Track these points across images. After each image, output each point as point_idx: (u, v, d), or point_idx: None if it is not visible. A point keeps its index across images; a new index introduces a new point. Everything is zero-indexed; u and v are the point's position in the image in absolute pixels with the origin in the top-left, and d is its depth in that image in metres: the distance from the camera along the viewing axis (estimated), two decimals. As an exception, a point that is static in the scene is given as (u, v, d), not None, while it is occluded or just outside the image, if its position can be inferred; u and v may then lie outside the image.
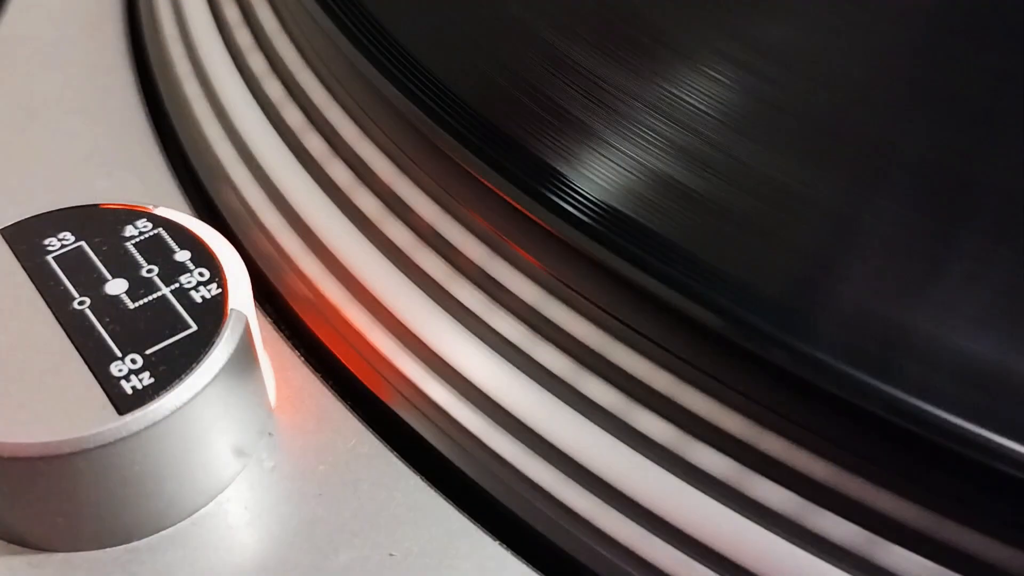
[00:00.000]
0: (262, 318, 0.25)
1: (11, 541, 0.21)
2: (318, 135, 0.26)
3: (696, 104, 0.21)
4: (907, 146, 0.21)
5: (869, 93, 0.22)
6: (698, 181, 0.20)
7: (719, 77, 0.22)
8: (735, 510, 0.19)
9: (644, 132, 0.21)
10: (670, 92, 0.22)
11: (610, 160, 0.20)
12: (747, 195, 0.20)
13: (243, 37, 0.29)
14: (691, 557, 0.19)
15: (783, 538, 0.19)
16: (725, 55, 0.22)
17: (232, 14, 0.29)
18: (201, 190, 0.29)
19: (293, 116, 0.26)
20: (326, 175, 0.25)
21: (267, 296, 0.26)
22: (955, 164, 0.21)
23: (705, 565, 0.19)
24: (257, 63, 0.28)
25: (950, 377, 0.17)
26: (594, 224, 0.19)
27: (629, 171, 0.20)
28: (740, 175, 0.20)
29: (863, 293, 0.18)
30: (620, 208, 0.20)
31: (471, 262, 0.22)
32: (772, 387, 0.18)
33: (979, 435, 0.16)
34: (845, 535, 0.18)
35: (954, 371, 0.17)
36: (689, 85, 0.22)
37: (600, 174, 0.20)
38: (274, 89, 0.27)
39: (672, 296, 0.18)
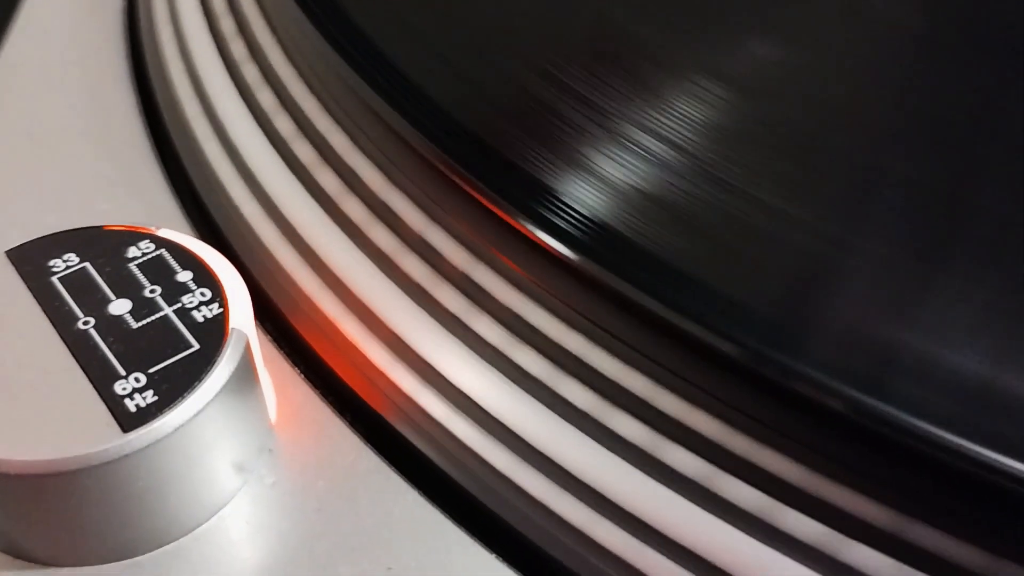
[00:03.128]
0: (262, 335, 0.26)
1: (17, 556, 0.21)
2: (308, 143, 0.26)
3: (680, 116, 0.22)
4: (899, 164, 0.22)
5: (862, 113, 0.23)
6: (682, 192, 0.21)
7: (704, 91, 0.22)
8: (743, 529, 0.19)
9: (626, 143, 0.21)
10: (653, 103, 0.22)
11: (594, 171, 0.21)
12: (730, 205, 0.20)
13: (251, 72, 0.29)
14: (685, 568, 0.20)
15: (754, 536, 0.19)
16: (714, 72, 0.23)
17: (227, 25, 0.30)
18: (202, 209, 0.29)
19: (285, 125, 0.27)
20: (328, 196, 0.26)
21: (267, 313, 0.26)
22: (947, 182, 0.21)
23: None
24: (250, 72, 0.28)
25: (935, 390, 0.17)
26: (577, 234, 0.20)
27: (612, 181, 0.21)
28: (723, 187, 0.21)
29: (842, 303, 0.19)
30: (604, 219, 0.20)
31: (463, 274, 0.22)
32: (756, 396, 0.18)
33: (968, 448, 0.16)
34: (812, 533, 0.19)
35: (940, 384, 0.17)
36: (673, 98, 0.22)
37: (584, 185, 0.21)
38: (266, 98, 0.28)
39: (659, 309, 0.19)
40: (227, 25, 0.30)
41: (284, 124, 0.27)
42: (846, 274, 0.19)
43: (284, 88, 0.27)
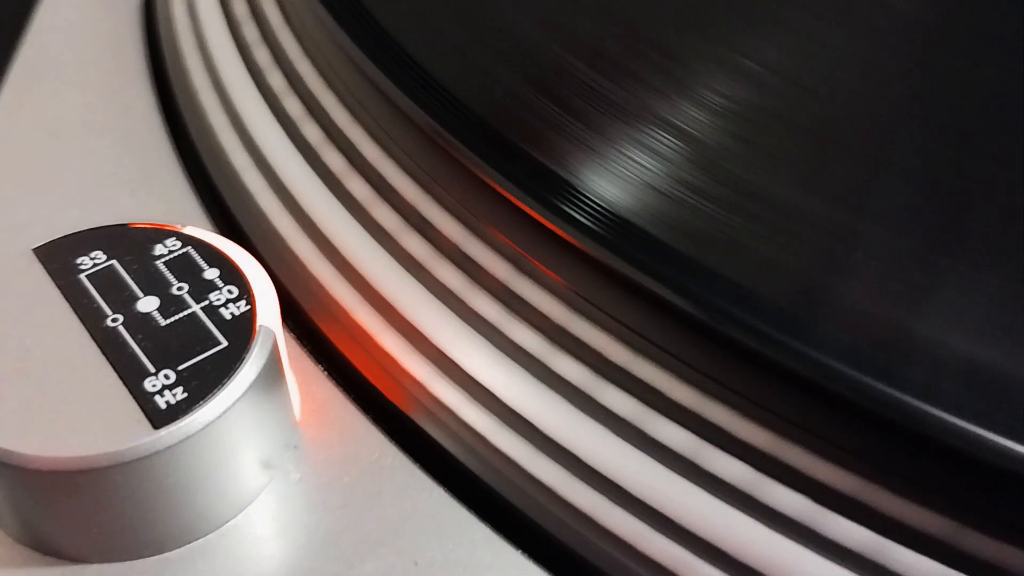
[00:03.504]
0: (286, 334, 0.26)
1: (46, 553, 0.22)
2: (338, 151, 0.26)
3: (711, 119, 0.22)
4: (910, 153, 0.22)
5: (873, 104, 0.23)
6: (713, 193, 0.21)
7: (737, 95, 0.23)
8: (764, 523, 0.19)
9: (662, 147, 0.22)
10: (688, 108, 0.22)
11: (629, 173, 0.21)
12: (760, 206, 0.20)
13: (261, 55, 0.29)
14: (717, 567, 0.20)
15: (799, 543, 0.19)
16: (742, 66, 0.23)
17: (250, 32, 0.30)
18: (222, 206, 0.29)
19: (313, 133, 0.27)
20: (346, 190, 0.26)
21: (289, 310, 0.26)
22: (957, 171, 0.21)
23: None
24: (276, 80, 0.29)
25: (957, 381, 0.17)
26: (612, 237, 0.20)
27: (648, 184, 0.21)
28: (754, 187, 0.21)
29: (882, 303, 0.19)
30: (637, 221, 0.20)
31: (491, 276, 0.23)
32: (786, 395, 0.18)
33: (984, 437, 0.17)
34: (858, 539, 0.19)
35: (960, 374, 0.18)
36: (708, 102, 0.22)
37: (618, 188, 0.21)
38: (293, 105, 0.28)
39: (684, 305, 0.19)
40: (249, 30, 0.30)
41: (312, 132, 0.27)
42: (867, 271, 0.20)
43: (311, 94, 0.27)
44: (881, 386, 0.17)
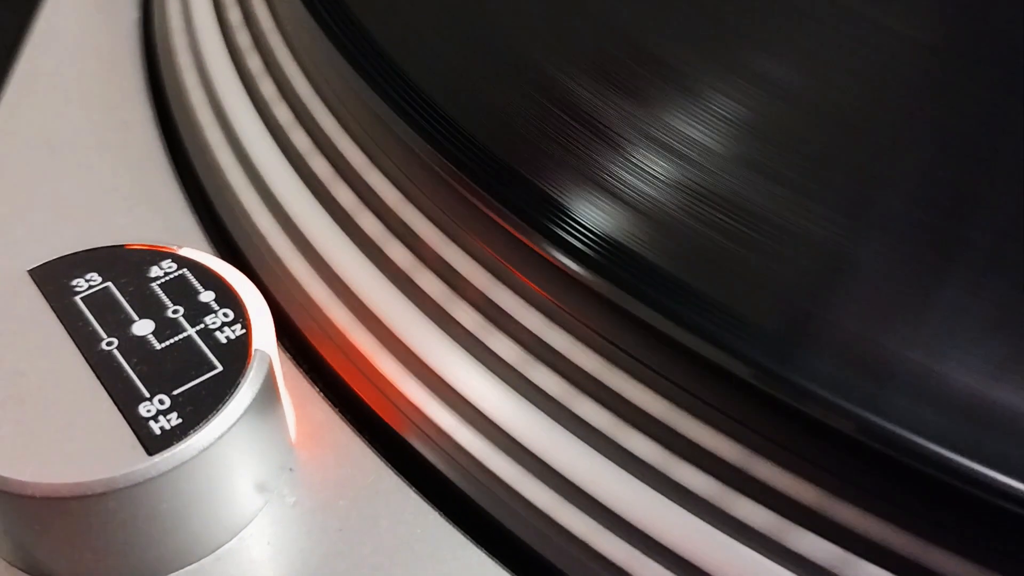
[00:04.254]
0: (281, 353, 0.26)
1: (39, 577, 0.22)
2: (347, 186, 0.26)
3: (695, 136, 0.22)
4: (900, 178, 0.22)
5: (862, 128, 0.23)
6: (698, 213, 0.20)
7: (721, 109, 0.22)
8: (791, 568, 0.19)
9: (645, 165, 0.21)
10: (672, 125, 0.22)
11: (609, 189, 0.21)
12: (744, 227, 0.20)
13: (267, 86, 0.29)
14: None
15: (782, 565, 0.19)
16: (728, 88, 0.23)
17: (251, 57, 0.30)
18: (219, 224, 0.29)
19: (321, 166, 0.27)
20: (356, 225, 0.25)
21: (285, 330, 0.26)
22: (947, 197, 0.21)
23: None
24: (282, 113, 0.28)
25: (942, 409, 0.17)
26: (594, 254, 0.20)
27: (627, 199, 0.21)
28: (738, 207, 0.21)
29: (864, 327, 0.19)
30: (618, 237, 0.20)
31: (506, 314, 0.22)
32: (772, 417, 0.18)
33: (966, 466, 0.16)
34: (828, 557, 0.19)
35: (944, 403, 0.17)
36: (692, 117, 0.22)
37: (599, 203, 0.21)
38: (300, 138, 0.27)
39: (688, 340, 0.19)
40: (252, 59, 0.29)
41: (316, 159, 0.27)
42: (856, 289, 0.19)
43: (314, 121, 0.27)
44: (861, 411, 0.17)
